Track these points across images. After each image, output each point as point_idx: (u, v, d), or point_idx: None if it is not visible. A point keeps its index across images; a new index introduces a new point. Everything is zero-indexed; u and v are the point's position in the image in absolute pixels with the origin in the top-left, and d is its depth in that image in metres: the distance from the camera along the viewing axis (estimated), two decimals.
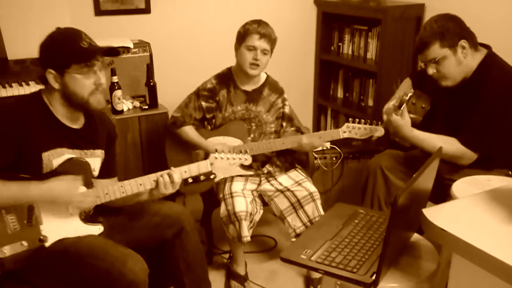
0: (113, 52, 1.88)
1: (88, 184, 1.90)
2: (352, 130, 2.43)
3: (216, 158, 2.00)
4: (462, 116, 2.24)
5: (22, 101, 1.86)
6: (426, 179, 1.50)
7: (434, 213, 1.26)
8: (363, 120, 2.43)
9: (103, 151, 1.99)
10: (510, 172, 2.31)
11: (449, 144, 2.19)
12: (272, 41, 2.48)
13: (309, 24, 3.89)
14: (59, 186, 1.75)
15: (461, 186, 2.04)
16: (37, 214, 1.77)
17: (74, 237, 1.82)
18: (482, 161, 2.24)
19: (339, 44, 3.86)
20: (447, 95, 2.34)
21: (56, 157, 1.80)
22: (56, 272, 1.76)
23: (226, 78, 2.59)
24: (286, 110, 2.69)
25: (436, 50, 2.17)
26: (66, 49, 1.76)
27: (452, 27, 2.17)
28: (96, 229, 1.89)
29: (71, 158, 1.84)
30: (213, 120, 2.59)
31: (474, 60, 2.22)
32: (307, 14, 3.86)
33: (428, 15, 3.30)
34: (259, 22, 2.48)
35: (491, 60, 2.23)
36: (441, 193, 2.10)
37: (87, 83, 1.79)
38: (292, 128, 2.69)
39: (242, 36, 2.49)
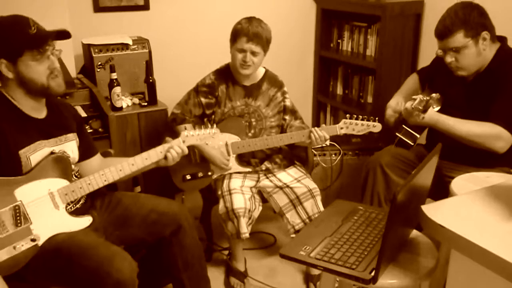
0: (65, 35, 1.86)
1: (70, 177, 1.90)
2: (350, 126, 2.43)
3: (186, 135, 2.07)
4: (483, 105, 2.21)
5: None
6: (425, 176, 1.50)
7: (433, 210, 1.26)
8: (360, 116, 2.42)
9: (75, 134, 2.00)
10: (511, 170, 2.31)
11: (483, 125, 2.14)
12: (262, 42, 2.44)
13: (309, 21, 3.89)
14: None
15: (460, 182, 2.04)
16: (24, 214, 1.75)
17: (66, 233, 1.82)
18: (483, 158, 2.23)
19: (339, 41, 3.86)
20: (460, 89, 2.32)
21: (33, 153, 1.80)
22: (49, 270, 1.76)
23: (225, 74, 2.58)
24: (287, 103, 2.68)
25: (460, 38, 2.14)
26: (16, 37, 1.74)
27: (477, 17, 2.14)
28: (86, 221, 1.89)
29: (47, 157, 1.83)
30: (213, 116, 2.59)
31: (490, 52, 2.22)
32: (306, 11, 3.86)
33: (427, 12, 3.30)
34: (250, 22, 2.45)
35: (506, 51, 2.23)
36: (440, 190, 2.11)
37: (42, 68, 1.78)
38: (297, 121, 2.68)
39: (233, 37, 2.48)
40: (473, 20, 2.13)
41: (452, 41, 2.16)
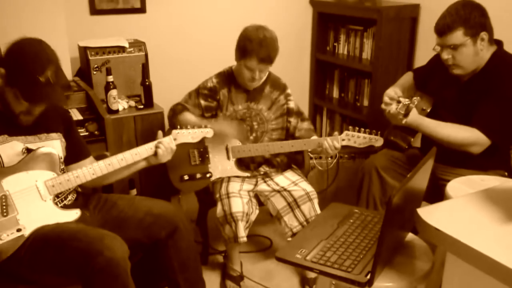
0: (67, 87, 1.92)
1: (57, 170, 1.92)
2: (351, 138, 2.41)
3: (177, 133, 2.09)
4: (473, 107, 2.23)
5: None
6: (421, 179, 1.51)
7: (429, 213, 1.27)
8: (362, 129, 2.41)
9: (59, 134, 2.01)
10: (506, 173, 2.32)
11: (463, 130, 2.19)
12: (272, 61, 2.42)
13: (305, 24, 3.90)
14: None
15: (455, 186, 2.05)
16: (10, 203, 1.78)
17: (53, 224, 1.84)
18: (478, 161, 2.25)
19: (335, 44, 3.87)
20: (455, 89, 2.34)
21: (2, 146, 1.82)
22: (41, 260, 1.77)
23: (228, 77, 2.57)
24: (291, 105, 2.66)
25: (459, 36, 2.16)
26: (22, 74, 1.77)
27: (478, 16, 2.15)
28: (73, 214, 1.91)
29: (34, 151, 1.86)
30: (213, 120, 2.58)
31: (487, 54, 2.23)
32: (302, 14, 3.87)
33: (423, 16, 3.32)
34: (261, 43, 2.35)
35: (502, 54, 2.25)
36: (436, 193, 2.12)
37: (21, 107, 1.82)
38: (305, 123, 2.67)
39: (243, 53, 2.40)
40: (473, 19, 2.14)
41: (451, 38, 2.17)
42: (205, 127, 2.15)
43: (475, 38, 2.16)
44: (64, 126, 2.05)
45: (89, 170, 1.93)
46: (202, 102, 2.55)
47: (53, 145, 1.97)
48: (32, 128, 1.92)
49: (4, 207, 1.76)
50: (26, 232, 1.79)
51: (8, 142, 1.84)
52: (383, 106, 2.34)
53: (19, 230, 1.77)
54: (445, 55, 2.22)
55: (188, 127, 2.15)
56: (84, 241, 1.72)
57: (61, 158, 1.98)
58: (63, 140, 2.02)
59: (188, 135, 2.11)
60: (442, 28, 2.18)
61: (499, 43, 2.28)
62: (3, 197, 1.76)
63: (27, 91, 1.78)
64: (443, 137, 2.21)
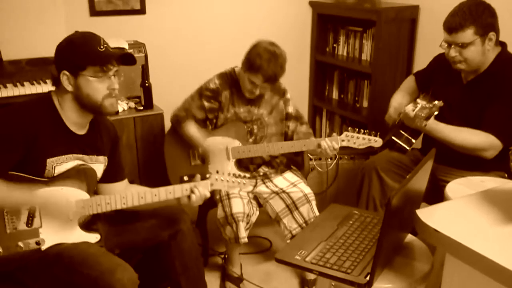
0: (130, 59, 1.88)
1: (91, 191, 1.90)
2: (351, 139, 2.40)
3: (216, 179, 2.00)
4: (478, 109, 2.23)
5: (32, 104, 1.84)
6: (420, 180, 1.51)
7: (428, 214, 1.27)
8: (362, 130, 2.41)
9: (105, 158, 1.99)
10: (505, 175, 2.32)
11: (477, 135, 2.18)
12: (278, 80, 2.43)
13: (304, 26, 3.90)
14: (56, 199, 1.77)
15: (455, 187, 2.05)
16: (37, 216, 1.76)
17: (70, 243, 1.81)
18: (478, 163, 2.24)
19: (334, 45, 3.87)
20: (457, 90, 2.33)
21: (59, 164, 1.80)
22: (48, 275, 1.75)
23: (230, 79, 2.57)
24: (290, 109, 2.66)
25: (469, 35, 2.15)
26: (83, 51, 1.76)
27: (489, 16, 2.15)
28: (93, 238, 1.88)
29: (75, 166, 1.84)
30: (214, 120, 2.58)
31: (492, 54, 2.23)
32: (302, 16, 3.87)
33: (422, 17, 3.32)
34: (270, 59, 2.35)
35: (507, 56, 2.25)
36: (435, 194, 2.12)
37: (101, 87, 1.79)
38: (304, 126, 2.67)
39: (250, 67, 2.38)
40: (484, 19, 2.14)
41: (461, 36, 2.16)
42: (243, 177, 2.05)
43: (484, 37, 2.16)
44: (110, 146, 2.02)
45: (122, 199, 1.87)
46: (206, 103, 2.55)
47: (98, 169, 1.94)
48: (86, 148, 1.89)
49: (31, 217, 1.74)
50: (44, 247, 1.77)
51: (67, 162, 1.82)
52: (387, 118, 2.34)
53: (38, 243, 1.76)
54: (453, 53, 2.21)
55: (227, 175, 2.03)
56: (96, 270, 1.68)
57: (98, 179, 1.96)
58: (107, 163, 1.99)
59: (226, 183, 2.02)
60: (453, 25, 2.17)
61: (503, 45, 2.28)
62: (32, 208, 1.75)
63: (95, 60, 1.75)
64: (458, 142, 2.20)
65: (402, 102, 2.43)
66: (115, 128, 2.11)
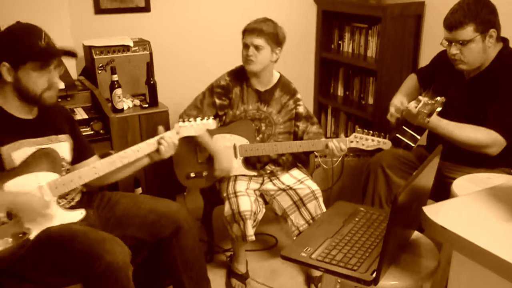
0: (72, 53, 1.89)
1: (59, 171, 1.90)
2: (360, 140, 2.40)
3: (180, 126, 2.05)
4: (481, 105, 2.22)
5: None
6: (427, 177, 1.50)
7: (435, 211, 1.26)
8: (371, 132, 2.41)
9: (67, 135, 2.00)
10: (511, 171, 2.31)
11: (480, 132, 2.17)
12: (264, 34, 2.42)
13: (309, 22, 3.89)
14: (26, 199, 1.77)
15: (461, 183, 2.04)
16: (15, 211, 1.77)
17: (57, 225, 1.84)
18: (484, 159, 2.24)
19: (339, 42, 3.86)
20: (460, 87, 2.32)
21: (15, 151, 1.81)
22: (45, 260, 1.77)
23: (240, 76, 2.57)
24: (300, 110, 2.65)
25: (469, 32, 2.14)
26: (24, 46, 1.76)
27: (489, 13, 2.15)
28: (78, 214, 1.90)
29: (35, 152, 1.85)
30: (224, 117, 2.59)
31: (494, 51, 2.22)
32: (307, 12, 3.86)
33: (428, 13, 3.30)
34: (258, 19, 2.48)
35: (509, 52, 2.24)
36: (442, 191, 2.11)
37: (41, 81, 1.81)
38: (314, 126, 2.66)
39: (242, 34, 2.50)
40: (484, 16, 2.13)
41: (461, 33, 2.15)
42: (207, 118, 2.10)
43: (484, 35, 2.15)
44: (69, 126, 2.05)
45: (92, 169, 1.91)
46: (217, 100, 2.55)
47: (62, 147, 1.96)
48: (41, 130, 1.91)
49: (9, 213, 1.75)
50: (31, 235, 1.79)
51: (22, 147, 1.83)
52: (388, 117, 2.34)
53: (24, 233, 1.77)
54: (454, 50, 2.21)
55: (191, 120, 2.11)
56: (85, 243, 1.72)
57: (65, 158, 1.97)
58: (71, 141, 2.02)
59: (191, 128, 2.07)
60: (453, 23, 2.16)
61: (505, 41, 2.27)
62: (7, 209, 1.75)
63: (36, 56, 1.76)
64: (462, 139, 2.19)
65: (403, 100, 2.43)
66: (67, 109, 2.14)
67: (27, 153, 1.83)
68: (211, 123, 2.13)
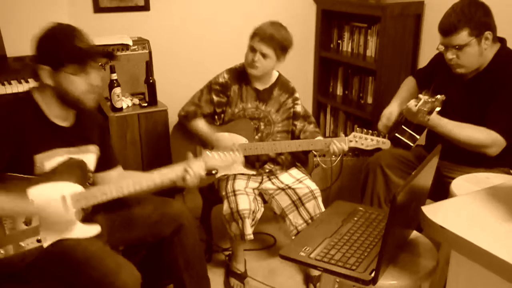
0: (110, 55, 1.87)
1: (84, 183, 1.88)
2: (359, 140, 2.40)
3: (209, 156, 1.99)
4: (479, 106, 2.22)
5: (13, 102, 1.84)
6: (425, 177, 1.50)
7: (433, 211, 1.26)
8: (370, 131, 2.40)
9: (96, 146, 1.98)
10: (510, 171, 2.31)
11: (480, 132, 2.17)
12: (274, 44, 2.41)
13: (309, 22, 3.89)
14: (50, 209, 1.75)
15: (460, 183, 2.04)
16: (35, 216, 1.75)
17: (72, 239, 1.80)
18: (483, 159, 2.24)
19: (339, 41, 3.86)
20: (458, 88, 2.32)
21: (48, 159, 1.79)
22: (53, 274, 1.75)
23: (239, 74, 2.57)
24: (298, 109, 2.66)
25: (464, 36, 2.14)
26: (63, 48, 1.74)
27: (483, 16, 2.14)
28: (94, 230, 1.87)
29: (65, 161, 1.82)
30: (222, 115, 2.58)
31: (491, 52, 2.22)
32: (306, 12, 3.86)
33: (427, 13, 3.30)
34: (270, 24, 2.44)
35: (506, 52, 2.23)
36: (440, 190, 2.11)
37: (81, 83, 1.77)
38: (311, 125, 2.66)
39: (251, 35, 2.46)
40: (478, 19, 2.12)
41: (456, 38, 2.15)
42: (236, 150, 2.04)
43: (479, 38, 2.15)
44: (100, 135, 2.02)
45: (117, 188, 1.85)
46: (215, 97, 2.55)
47: (89, 158, 1.93)
48: (75, 139, 1.88)
49: (28, 216, 1.74)
50: (45, 244, 1.76)
51: (55, 156, 1.80)
52: (379, 127, 2.35)
53: (39, 240, 1.75)
54: (450, 55, 2.21)
55: (219, 153, 2.02)
56: (99, 270, 1.68)
57: (91, 169, 1.95)
58: (98, 152, 1.99)
59: (219, 160, 2.00)
60: (447, 28, 2.16)
61: (502, 41, 2.27)
62: (28, 217, 1.73)
63: (75, 58, 1.74)
64: (461, 138, 2.19)
65: (393, 110, 2.44)
66: (102, 117, 2.11)
67: (58, 161, 1.81)
68: (240, 157, 2.04)
